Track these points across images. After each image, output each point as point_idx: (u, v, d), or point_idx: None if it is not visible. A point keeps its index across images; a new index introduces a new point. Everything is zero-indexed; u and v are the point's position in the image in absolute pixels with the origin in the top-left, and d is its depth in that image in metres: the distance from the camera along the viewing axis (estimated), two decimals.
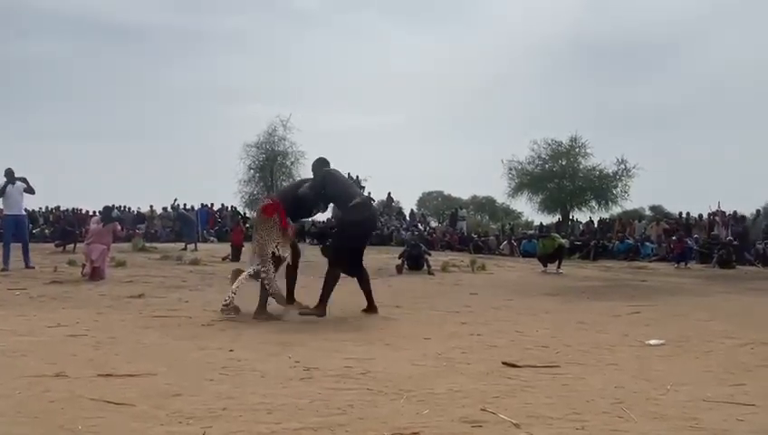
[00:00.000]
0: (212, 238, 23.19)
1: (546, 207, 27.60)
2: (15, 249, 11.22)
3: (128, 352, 4.61)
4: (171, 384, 3.64)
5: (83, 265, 10.28)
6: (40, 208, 26.15)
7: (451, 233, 25.14)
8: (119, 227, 11.37)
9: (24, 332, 5.32)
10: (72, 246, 16.26)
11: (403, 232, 24.37)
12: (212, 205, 27.51)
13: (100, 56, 56.16)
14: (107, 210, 11.10)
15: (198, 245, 18.71)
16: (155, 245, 18.69)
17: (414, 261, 13.22)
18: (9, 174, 11.21)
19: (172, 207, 24.70)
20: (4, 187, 11.12)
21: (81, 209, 25.72)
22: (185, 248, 17.45)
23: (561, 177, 26.89)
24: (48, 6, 57.50)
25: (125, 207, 27.13)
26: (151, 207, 27.33)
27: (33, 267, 11.09)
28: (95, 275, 9.85)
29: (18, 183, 11.18)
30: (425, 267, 13.17)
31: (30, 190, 11.37)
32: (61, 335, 5.19)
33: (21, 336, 5.10)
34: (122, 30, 58.45)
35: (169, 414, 3.07)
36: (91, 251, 10.02)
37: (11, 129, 47.09)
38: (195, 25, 60.71)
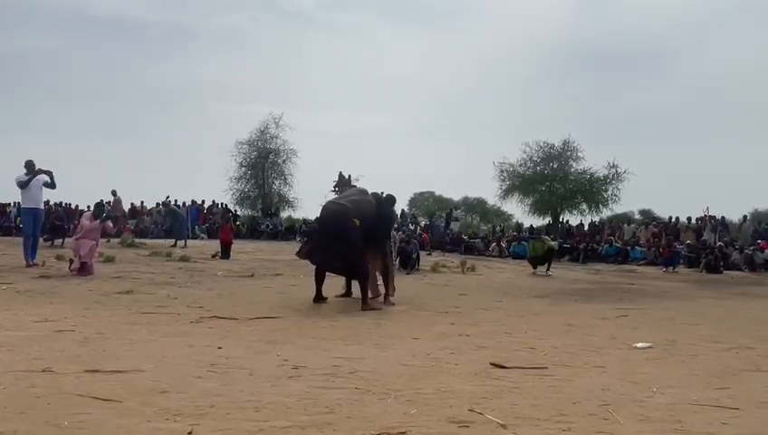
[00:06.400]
0: (202, 235, 23.08)
1: (537, 209, 27.69)
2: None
3: (115, 348, 4.59)
4: (158, 381, 3.62)
5: (71, 261, 10.21)
6: None
7: (442, 233, 25.16)
8: (111, 226, 11.29)
9: (11, 326, 5.28)
10: (60, 240, 16.15)
11: (394, 232, 24.33)
12: (202, 202, 27.41)
13: (92, 52, 55.77)
14: (99, 208, 11.00)
15: (188, 241, 18.64)
16: (144, 241, 18.59)
17: (405, 257, 13.21)
18: (30, 166, 10.77)
19: (164, 203, 24.59)
20: (29, 180, 10.69)
21: (69, 204, 25.51)
22: (174, 245, 17.38)
23: (552, 179, 26.99)
24: (40, 1, 57.00)
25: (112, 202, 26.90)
26: (142, 202, 27.20)
27: (37, 264, 10.78)
28: (83, 270, 9.79)
29: (41, 176, 10.75)
30: (416, 266, 13.22)
31: (50, 185, 10.94)
32: (48, 331, 5.16)
33: (7, 331, 5.06)
34: (116, 26, 58.10)
35: (156, 411, 3.06)
36: (80, 246, 9.96)
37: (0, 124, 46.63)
38: (188, 22, 60.41)
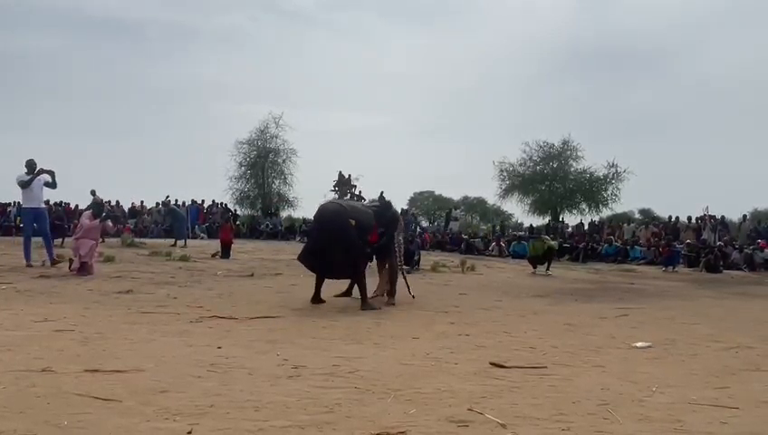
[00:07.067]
0: (202, 235, 23.09)
1: (537, 208, 27.73)
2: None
3: (115, 347, 4.59)
4: (158, 381, 3.63)
5: (71, 260, 10.20)
6: None
7: (442, 233, 25.17)
8: (110, 225, 11.28)
9: (11, 326, 5.28)
10: (60, 240, 16.15)
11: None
12: (202, 201, 27.42)
13: (92, 52, 55.69)
14: (98, 207, 10.99)
15: (188, 241, 18.65)
16: (144, 240, 18.59)
17: (408, 256, 13.21)
18: (31, 166, 10.68)
19: (164, 203, 24.60)
20: (31, 180, 10.61)
21: (69, 203, 25.52)
22: (174, 244, 17.38)
23: (552, 179, 27.04)
24: (40, 1, 56.90)
25: (115, 202, 26.93)
26: (142, 202, 27.20)
27: (59, 262, 10.73)
28: (83, 270, 9.78)
29: (42, 175, 10.67)
30: (416, 266, 13.23)
31: (51, 185, 10.86)
32: (48, 330, 5.16)
33: (7, 331, 5.06)
34: (116, 26, 57.95)
35: (156, 411, 3.07)
36: (80, 246, 9.95)
37: None
38: (188, 22, 60.37)
